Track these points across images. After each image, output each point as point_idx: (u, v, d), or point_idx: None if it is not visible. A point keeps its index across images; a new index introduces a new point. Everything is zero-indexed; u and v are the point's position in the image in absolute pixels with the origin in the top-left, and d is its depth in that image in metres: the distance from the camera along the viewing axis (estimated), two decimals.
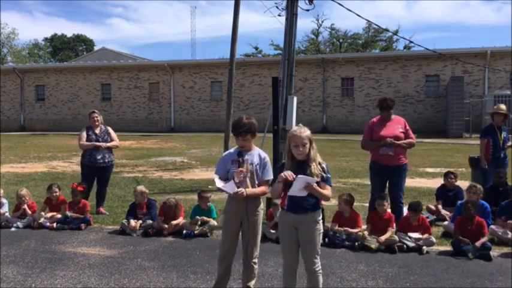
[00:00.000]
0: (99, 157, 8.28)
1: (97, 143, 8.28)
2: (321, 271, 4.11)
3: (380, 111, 7.06)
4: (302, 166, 3.99)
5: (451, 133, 25.25)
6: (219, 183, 4.32)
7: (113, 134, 8.60)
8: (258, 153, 4.44)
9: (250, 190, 4.30)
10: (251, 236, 4.38)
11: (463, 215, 6.24)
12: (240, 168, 4.28)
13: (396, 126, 6.95)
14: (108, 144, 8.40)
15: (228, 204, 4.50)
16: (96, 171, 8.37)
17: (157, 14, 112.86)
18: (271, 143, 8.68)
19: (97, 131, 8.43)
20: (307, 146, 3.99)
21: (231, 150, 4.54)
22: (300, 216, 4.03)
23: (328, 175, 4.06)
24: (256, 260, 4.47)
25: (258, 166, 4.37)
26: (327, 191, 4.02)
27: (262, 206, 4.49)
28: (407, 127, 7.00)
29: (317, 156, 4.03)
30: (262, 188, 4.40)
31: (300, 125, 4.18)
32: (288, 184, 3.97)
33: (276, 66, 29.61)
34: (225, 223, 4.60)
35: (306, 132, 4.01)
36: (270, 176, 4.43)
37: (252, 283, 4.48)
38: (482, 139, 8.33)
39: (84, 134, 8.38)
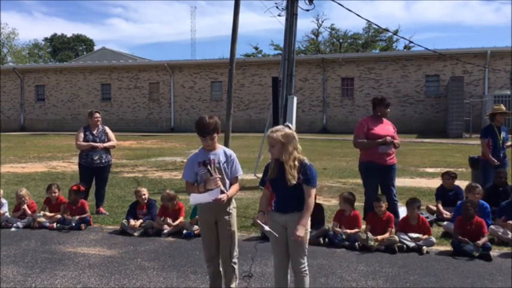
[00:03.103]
0: (96, 157, 8.24)
1: (94, 144, 8.23)
2: (307, 272, 4.09)
3: (383, 108, 7.00)
4: (281, 165, 3.97)
5: (451, 133, 25.25)
6: (196, 200, 4.26)
7: (110, 134, 8.54)
8: (223, 151, 4.39)
9: (230, 194, 4.27)
10: (227, 236, 4.33)
11: (462, 215, 6.24)
12: (216, 176, 4.19)
13: (388, 126, 7.05)
14: (106, 145, 8.35)
15: (200, 208, 4.42)
16: (93, 172, 8.34)
17: (157, 14, 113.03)
18: None
19: (94, 131, 8.38)
20: (277, 147, 3.93)
21: (197, 151, 4.46)
22: (286, 216, 4.02)
23: (311, 175, 3.93)
24: (235, 260, 4.41)
25: (225, 164, 4.33)
26: (310, 195, 3.94)
27: (234, 204, 4.44)
28: (395, 128, 7.14)
29: (290, 159, 3.90)
30: (236, 187, 4.40)
31: (286, 124, 4.12)
32: (273, 181, 4.03)
33: (276, 66, 29.63)
34: (201, 228, 4.58)
35: (278, 133, 3.93)
36: (239, 171, 4.41)
37: (234, 285, 4.45)
38: (483, 139, 8.32)
39: (82, 134, 8.33)
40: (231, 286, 4.44)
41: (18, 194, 7.68)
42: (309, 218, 3.99)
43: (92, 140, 8.28)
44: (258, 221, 4.08)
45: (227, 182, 4.34)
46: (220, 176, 4.24)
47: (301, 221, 3.91)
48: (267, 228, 4.02)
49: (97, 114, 8.46)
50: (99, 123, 8.44)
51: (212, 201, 4.15)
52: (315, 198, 4.47)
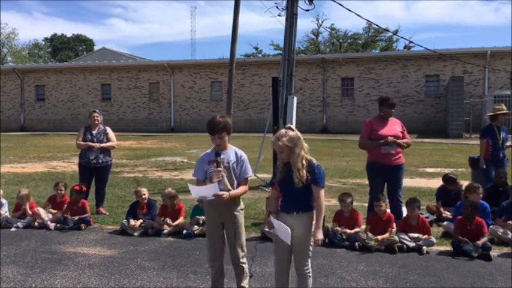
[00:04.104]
0: (92, 157, 8.25)
1: (91, 143, 8.25)
2: (310, 274, 4.10)
3: (386, 108, 7.00)
4: (289, 167, 3.99)
5: (451, 133, 25.24)
6: (196, 193, 4.32)
7: (111, 135, 8.53)
8: (234, 152, 4.43)
9: (233, 192, 4.29)
10: (234, 238, 4.37)
11: (463, 215, 6.24)
12: (218, 168, 4.25)
13: (394, 126, 7.00)
14: (103, 145, 8.33)
15: (207, 207, 4.47)
16: (91, 171, 8.36)
17: (156, 14, 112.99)
18: None
19: (94, 131, 8.40)
20: (285, 152, 3.96)
21: (208, 150, 4.51)
22: (291, 216, 4.03)
23: (319, 175, 3.95)
24: (244, 260, 4.45)
25: (235, 164, 4.37)
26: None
27: (242, 205, 4.47)
28: (404, 128, 7.07)
29: (298, 161, 3.92)
30: (244, 188, 4.42)
31: (288, 125, 4.13)
32: (281, 183, 4.05)
33: (276, 66, 29.60)
34: (207, 227, 4.60)
35: (284, 139, 3.93)
36: (248, 173, 4.43)
37: (245, 282, 4.49)
38: (482, 139, 8.33)
39: (82, 134, 8.38)
40: (242, 285, 4.47)
41: (18, 194, 7.68)
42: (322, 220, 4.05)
43: (90, 140, 8.29)
44: (271, 221, 4.09)
45: (235, 182, 4.37)
46: (224, 170, 4.27)
47: (318, 224, 4.00)
48: (281, 226, 4.00)
49: (95, 114, 8.48)
50: (97, 122, 8.45)
51: (212, 196, 4.18)
52: None
